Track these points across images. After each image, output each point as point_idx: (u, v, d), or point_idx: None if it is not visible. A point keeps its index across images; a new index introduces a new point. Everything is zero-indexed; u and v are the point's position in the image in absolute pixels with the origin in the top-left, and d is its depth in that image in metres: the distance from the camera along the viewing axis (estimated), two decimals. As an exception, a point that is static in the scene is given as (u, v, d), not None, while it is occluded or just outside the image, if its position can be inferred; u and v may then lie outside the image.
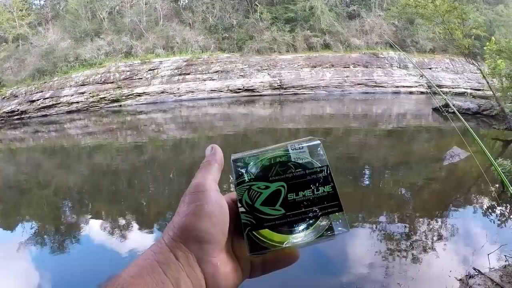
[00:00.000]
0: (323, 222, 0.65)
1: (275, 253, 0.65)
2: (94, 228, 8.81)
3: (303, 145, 0.71)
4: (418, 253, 6.71)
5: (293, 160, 0.69)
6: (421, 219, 8.38)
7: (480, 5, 39.82)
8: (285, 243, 0.63)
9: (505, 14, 40.93)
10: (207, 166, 0.67)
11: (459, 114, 1.14)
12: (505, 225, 8.02)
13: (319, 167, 0.68)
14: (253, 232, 0.64)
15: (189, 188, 0.64)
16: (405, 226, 7.99)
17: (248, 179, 0.68)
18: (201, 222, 0.59)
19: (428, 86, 34.13)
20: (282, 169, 0.68)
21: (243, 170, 0.69)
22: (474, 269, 5.73)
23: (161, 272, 0.56)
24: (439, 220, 8.37)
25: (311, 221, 0.65)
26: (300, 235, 0.64)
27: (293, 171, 0.68)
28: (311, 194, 0.66)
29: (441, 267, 5.98)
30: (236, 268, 0.65)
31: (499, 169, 1.04)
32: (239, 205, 0.66)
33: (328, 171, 0.68)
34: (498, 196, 9.32)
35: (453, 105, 20.71)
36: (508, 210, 8.83)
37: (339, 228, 0.64)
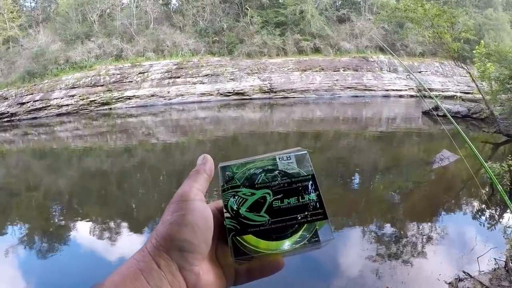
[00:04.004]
0: (307, 230, 0.65)
1: (260, 261, 0.66)
2: (83, 231, 8.74)
3: (290, 155, 0.72)
4: (408, 256, 6.71)
5: (280, 169, 0.70)
6: (410, 223, 8.40)
7: (470, 9, 40.21)
8: (269, 250, 0.64)
9: (494, 17, 41.34)
10: (195, 175, 0.67)
11: (450, 117, 1.11)
12: (494, 228, 8.04)
13: (305, 175, 0.69)
14: (237, 237, 0.64)
15: (174, 197, 0.63)
16: (395, 230, 7.99)
17: (234, 185, 0.69)
18: (183, 232, 0.59)
19: (418, 90, 34.36)
20: (268, 177, 0.69)
21: (230, 177, 0.70)
22: (464, 272, 5.73)
23: (143, 280, 0.56)
24: (429, 223, 8.38)
25: (295, 229, 0.65)
26: (285, 242, 0.64)
27: (279, 179, 0.69)
28: (296, 201, 0.67)
29: (431, 271, 5.99)
30: (220, 276, 0.65)
31: (490, 172, 1.01)
32: (224, 210, 0.66)
33: (314, 180, 0.69)
34: (488, 199, 9.36)
35: (442, 108, 20.78)
36: (497, 213, 8.87)
37: (324, 236, 0.65)
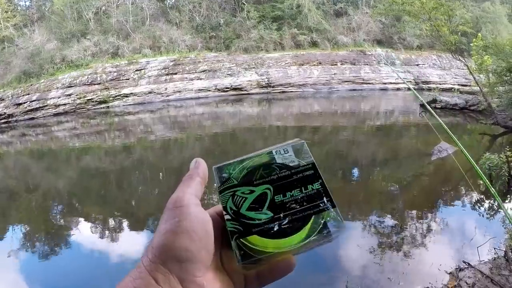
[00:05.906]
0: (316, 222, 0.61)
1: (269, 263, 0.61)
2: (82, 231, 8.73)
3: (287, 148, 0.70)
4: (408, 247, 6.73)
5: (278, 162, 0.67)
6: (410, 214, 8.42)
7: (467, 2, 40.07)
8: (277, 249, 0.59)
9: (491, 10, 41.24)
10: (188, 180, 0.63)
11: (432, 111, 1.12)
12: (494, 218, 8.07)
13: (305, 165, 0.67)
14: (241, 239, 0.60)
15: (167, 203, 0.60)
16: (395, 222, 8.02)
17: (231, 185, 0.66)
18: (179, 239, 0.55)
19: (416, 83, 34.37)
20: (266, 171, 0.66)
21: (226, 178, 0.67)
22: (464, 262, 5.76)
23: None
24: (429, 214, 8.41)
25: (303, 222, 0.61)
26: (294, 239, 0.60)
27: (278, 172, 0.66)
28: (300, 193, 0.64)
29: (431, 261, 6.01)
30: (228, 285, 0.62)
31: (477, 167, 1.02)
32: (224, 212, 0.63)
33: (315, 169, 0.67)
34: (486, 189, 9.38)
35: (440, 100, 20.86)
36: (496, 204, 8.88)
37: (334, 226, 0.61)
